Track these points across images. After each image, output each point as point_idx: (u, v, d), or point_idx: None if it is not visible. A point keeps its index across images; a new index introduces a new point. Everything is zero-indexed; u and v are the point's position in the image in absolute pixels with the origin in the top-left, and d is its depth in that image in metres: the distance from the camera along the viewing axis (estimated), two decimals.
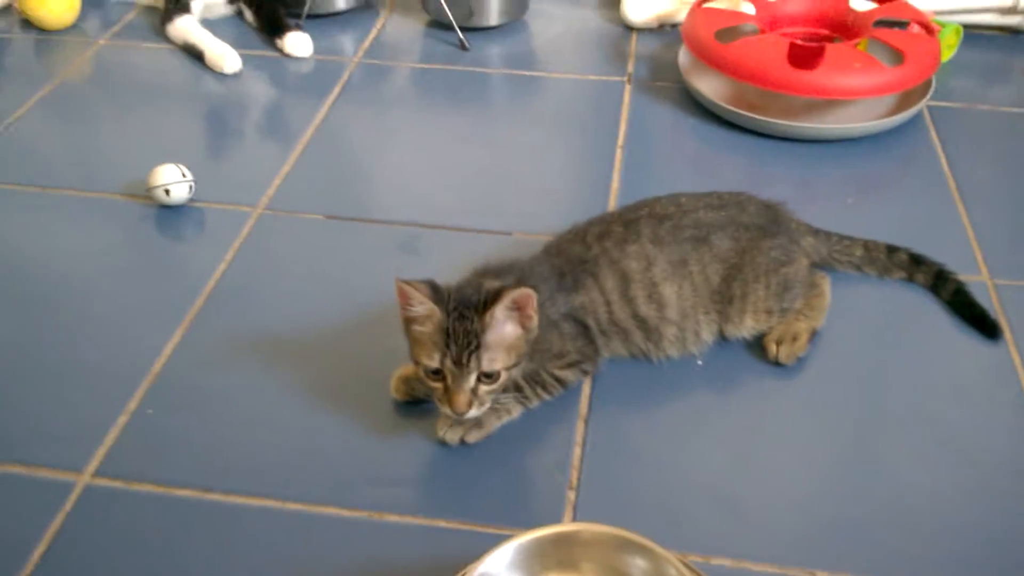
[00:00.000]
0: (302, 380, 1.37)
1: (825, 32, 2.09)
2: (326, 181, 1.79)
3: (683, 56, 2.09)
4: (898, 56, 1.90)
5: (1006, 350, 1.43)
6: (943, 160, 1.86)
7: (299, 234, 1.65)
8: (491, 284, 1.22)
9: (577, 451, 1.28)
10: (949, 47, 2.14)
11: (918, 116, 1.98)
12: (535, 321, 1.23)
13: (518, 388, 1.30)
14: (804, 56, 1.85)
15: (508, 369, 1.21)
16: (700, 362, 1.41)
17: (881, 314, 1.50)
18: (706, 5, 2.09)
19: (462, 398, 1.18)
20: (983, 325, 1.46)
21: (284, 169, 1.81)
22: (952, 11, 2.23)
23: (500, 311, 1.18)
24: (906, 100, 1.96)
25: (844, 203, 1.75)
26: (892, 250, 1.55)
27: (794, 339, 1.40)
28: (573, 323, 1.34)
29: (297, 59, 2.17)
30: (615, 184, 1.78)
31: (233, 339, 1.44)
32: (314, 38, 2.21)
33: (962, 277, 1.52)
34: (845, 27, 2.05)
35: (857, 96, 1.86)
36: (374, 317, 1.47)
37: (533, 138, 1.93)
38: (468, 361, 1.17)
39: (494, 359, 1.18)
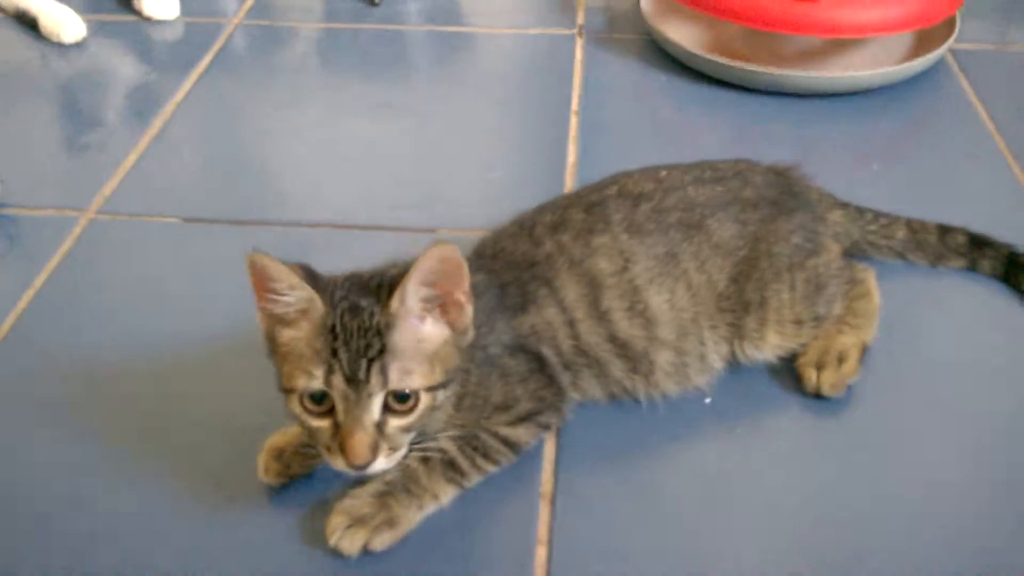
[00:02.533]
0: (135, 457, 0.94)
1: None
2: (185, 174, 1.35)
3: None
4: None
5: None
6: (983, 113, 1.47)
7: (143, 245, 1.22)
8: (398, 268, 0.82)
9: (541, 552, 0.86)
10: None
11: (940, 63, 1.59)
12: (469, 314, 0.82)
13: (449, 461, 0.88)
14: None
15: (432, 391, 0.80)
16: (708, 399, 1.00)
17: (943, 317, 1.11)
18: None
19: (361, 439, 0.77)
20: None
21: (129, 160, 1.36)
22: None
23: (413, 293, 0.79)
24: (924, 43, 1.58)
25: (868, 170, 1.35)
26: (945, 230, 1.16)
27: (840, 360, 1.00)
28: (523, 356, 0.93)
29: (159, 22, 1.74)
30: (571, 159, 1.37)
31: (40, 392, 1.02)
32: None
33: None
34: None
35: (873, 32, 1.48)
36: (241, 357, 1.04)
37: (465, 109, 1.52)
38: (368, 374, 0.77)
39: (409, 370, 0.78)
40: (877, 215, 1.16)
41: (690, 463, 0.94)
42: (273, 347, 0.82)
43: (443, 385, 0.82)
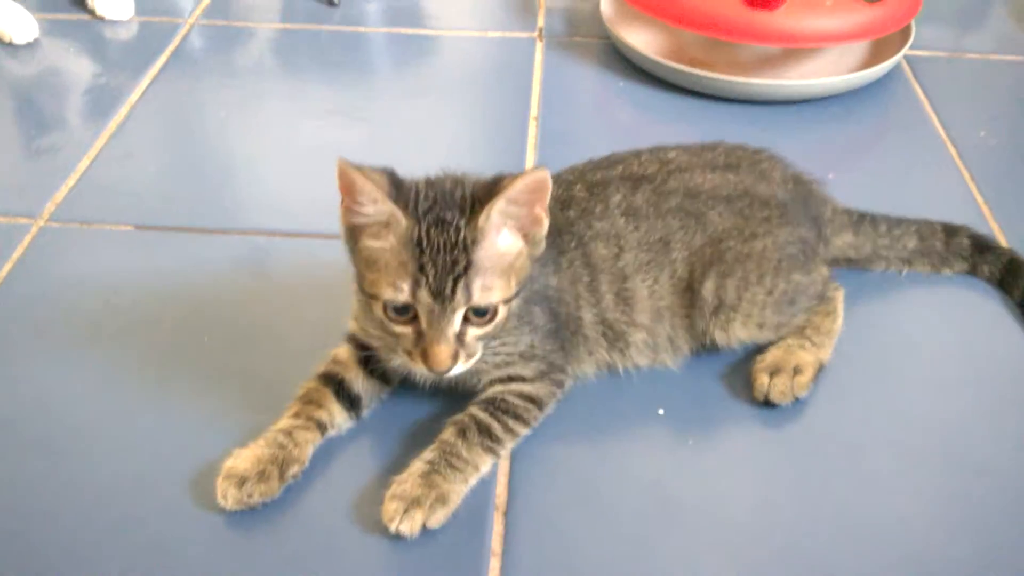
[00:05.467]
0: (80, 478, 0.92)
1: None
2: (140, 179, 1.33)
3: (606, 3, 1.68)
4: None
5: None
6: (935, 121, 1.49)
7: (97, 253, 1.20)
8: (480, 178, 0.85)
9: (495, 564, 0.86)
10: None
11: (895, 70, 1.61)
12: (545, 226, 0.85)
13: (485, 429, 0.91)
14: None
15: (507, 303, 0.83)
16: (661, 411, 1.00)
17: (922, 323, 1.12)
18: None
19: (444, 349, 0.81)
20: None
21: (82, 165, 1.34)
22: None
23: (500, 211, 0.81)
24: (879, 50, 1.60)
25: (824, 178, 1.35)
26: (951, 232, 1.16)
27: (796, 372, 1.00)
28: (548, 312, 0.95)
29: (113, 22, 1.70)
30: (530, 166, 1.36)
31: None
32: None
33: None
34: None
35: (830, 42, 1.49)
36: (197, 372, 1.02)
37: (424, 112, 1.50)
38: (454, 291, 0.79)
39: (490, 287, 0.81)
40: (891, 226, 1.14)
41: (643, 476, 0.94)
42: (354, 247, 0.84)
43: (516, 297, 0.85)
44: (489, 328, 0.84)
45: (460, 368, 0.84)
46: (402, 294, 0.80)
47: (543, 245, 0.87)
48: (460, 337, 0.82)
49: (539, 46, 1.67)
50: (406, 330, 0.83)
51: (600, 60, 1.63)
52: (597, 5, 1.70)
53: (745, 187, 1.02)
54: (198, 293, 1.13)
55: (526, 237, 0.85)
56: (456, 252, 0.80)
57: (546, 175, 0.81)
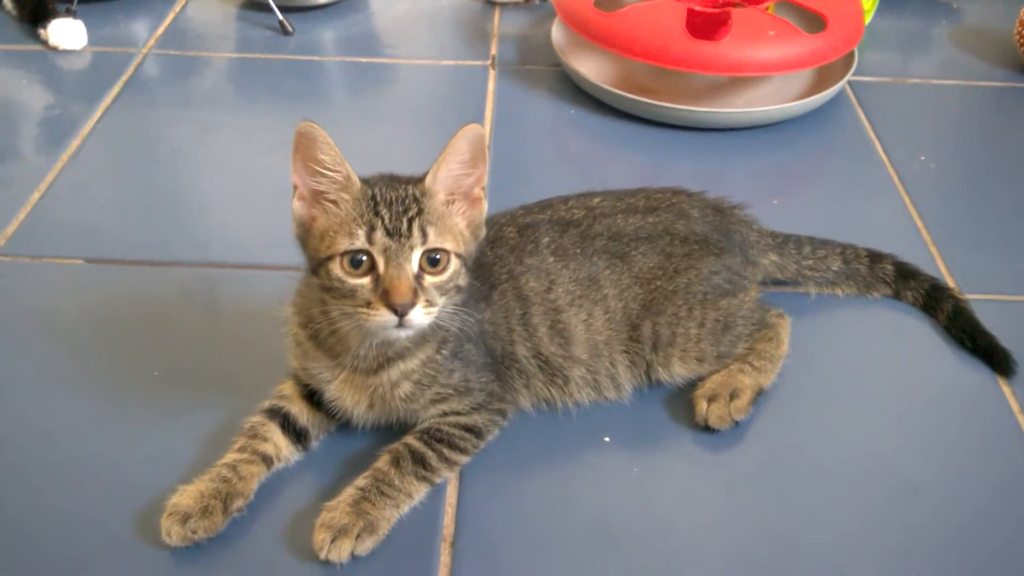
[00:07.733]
0: (25, 516, 0.92)
1: None
2: (92, 212, 1.33)
3: (557, 32, 1.71)
4: (816, 21, 1.56)
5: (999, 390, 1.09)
6: (878, 146, 1.53)
7: (47, 287, 1.20)
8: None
9: None
10: (865, 12, 1.83)
11: (839, 95, 1.65)
12: (484, 210, 0.92)
13: (419, 458, 0.92)
14: (706, 24, 1.49)
15: (460, 258, 0.86)
16: (607, 439, 1.02)
17: (858, 348, 1.15)
18: None
19: (405, 281, 0.83)
20: (991, 358, 1.12)
21: (32, 198, 1.34)
22: None
23: (445, 171, 0.88)
24: (824, 76, 1.64)
25: (769, 204, 1.39)
26: (876, 258, 1.20)
27: (732, 396, 1.03)
28: (482, 347, 0.98)
29: (65, 52, 1.70)
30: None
31: None
32: (93, 26, 1.75)
33: None
34: None
35: (774, 71, 1.52)
36: (146, 407, 1.03)
37: (378, 142, 1.52)
38: (409, 229, 0.83)
39: (442, 233, 0.85)
40: (815, 247, 1.18)
41: (590, 505, 0.95)
42: (307, 233, 0.87)
43: (465, 260, 0.88)
44: (444, 277, 0.86)
45: (420, 313, 0.84)
46: (358, 240, 0.83)
47: (483, 231, 0.92)
48: (418, 280, 0.84)
49: (492, 74, 1.69)
50: (363, 281, 0.84)
51: (551, 88, 1.66)
52: (549, 33, 1.73)
53: (664, 227, 1.06)
54: (148, 326, 1.13)
55: (469, 221, 0.90)
56: (408, 202, 0.85)
57: (479, 127, 0.87)
